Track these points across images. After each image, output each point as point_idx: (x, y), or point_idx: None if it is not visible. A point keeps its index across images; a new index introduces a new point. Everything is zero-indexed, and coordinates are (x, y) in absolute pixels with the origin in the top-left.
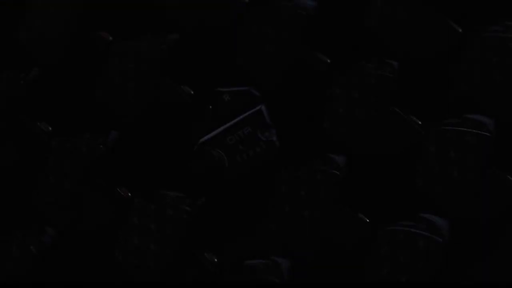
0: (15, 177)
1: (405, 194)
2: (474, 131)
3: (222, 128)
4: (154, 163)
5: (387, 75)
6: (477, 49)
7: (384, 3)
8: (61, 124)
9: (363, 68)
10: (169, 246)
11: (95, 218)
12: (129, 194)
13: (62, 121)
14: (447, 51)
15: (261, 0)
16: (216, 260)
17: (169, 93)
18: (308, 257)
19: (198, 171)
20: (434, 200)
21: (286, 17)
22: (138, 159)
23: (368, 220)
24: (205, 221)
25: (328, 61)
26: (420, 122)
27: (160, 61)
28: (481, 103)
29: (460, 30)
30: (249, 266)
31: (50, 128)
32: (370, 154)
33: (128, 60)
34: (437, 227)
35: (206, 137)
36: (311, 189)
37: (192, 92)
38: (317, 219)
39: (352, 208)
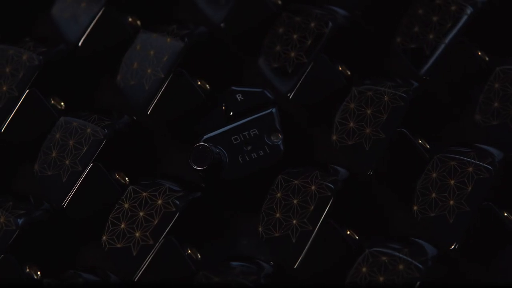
0: (22, 148)
1: (401, 216)
2: (477, 162)
3: (229, 126)
4: (159, 153)
5: (400, 95)
6: (496, 79)
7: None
8: (76, 103)
9: (380, 84)
10: (153, 236)
11: (89, 198)
12: (127, 180)
13: (77, 100)
14: (470, 77)
15: (294, 6)
16: (199, 256)
17: (184, 86)
18: (290, 266)
19: (197, 166)
20: (427, 227)
21: (313, 25)
22: (144, 147)
23: (357, 237)
24: (196, 217)
25: (349, 73)
26: (428, 146)
27: (181, 53)
28: (493, 134)
29: (487, 59)
30: (229, 266)
31: (63, 104)
32: (373, 172)
33: (150, 48)
34: (423, 254)
35: (211, 134)
36: (303, 198)
37: (208, 87)
38: (304, 230)
39: (342, 223)
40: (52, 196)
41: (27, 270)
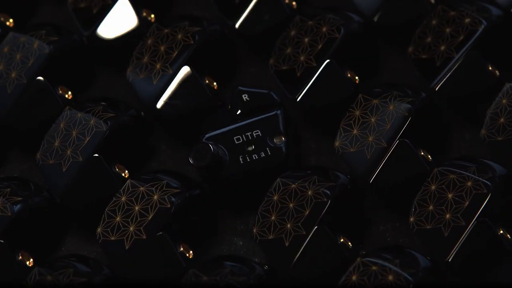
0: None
1: (398, 226)
2: (476, 177)
3: (232, 126)
4: (162, 149)
5: (405, 105)
6: (504, 95)
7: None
8: (84, 93)
9: (387, 93)
10: (146, 231)
11: (88, 189)
12: (127, 173)
13: (87, 91)
14: (479, 91)
15: (309, 9)
16: (192, 254)
17: (191, 83)
18: (282, 269)
19: (197, 164)
20: (422, 239)
21: (325, 30)
22: (148, 142)
23: (351, 245)
24: (192, 214)
25: (357, 79)
26: (430, 158)
27: (190, 50)
28: (497, 150)
29: (498, 74)
30: (220, 266)
31: (71, 93)
32: (373, 180)
33: (160, 43)
34: (415, 266)
35: (213, 132)
36: (299, 203)
37: (216, 86)
38: (298, 234)
39: (337, 230)
40: (51, 185)
41: (20, 257)
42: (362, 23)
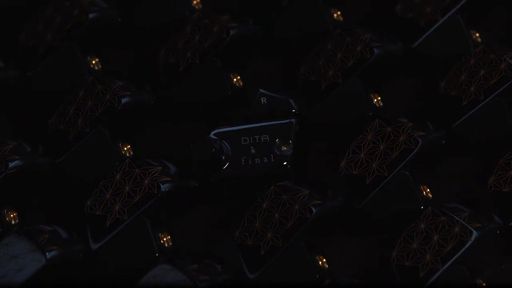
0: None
1: (381, 257)
2: (465, 223)
3: (242, 126)
4: (173, 135)
5: (415, 138)
6: None
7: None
8: (115, 68)
9: (402, 122)
10: (129, 213)
11: (87, 160)
12: (131, 152)
13: (117, 67)
14: (498, 138)
15: (350, 25)
16: (171, 244)
17: (214, 77)
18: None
19: (197, 157)
20: (400, 275)
21: (359, 49)
22: (161, 126)
23: (327, 266)
24: (182, 206)
25: (381, 103)
26: (430, 196)
27: (223, 44)
28: (500, 200)
29: None
30: (191, 261)
31: (100, 65)
32: (365, 207)
33: (197, 32)
34: None
35: (223, 129)
36: (284, 214)
37: (241, 84)
38: (274, 245)
39: (315, 249)
40: (56, 150)
41: (6, 217)
42: (399, 48)
